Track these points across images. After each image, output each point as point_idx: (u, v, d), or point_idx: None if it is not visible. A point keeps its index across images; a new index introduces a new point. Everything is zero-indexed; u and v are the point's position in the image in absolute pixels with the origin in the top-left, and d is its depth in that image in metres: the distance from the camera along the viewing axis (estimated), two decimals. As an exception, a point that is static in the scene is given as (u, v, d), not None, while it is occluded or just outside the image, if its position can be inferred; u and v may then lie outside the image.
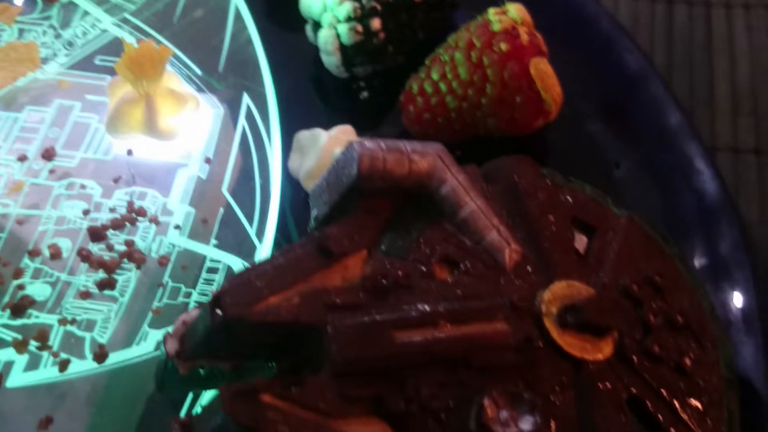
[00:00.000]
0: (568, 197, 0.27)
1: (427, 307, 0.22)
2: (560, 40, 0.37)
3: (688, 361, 0.24)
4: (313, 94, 0.41)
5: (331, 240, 0.23)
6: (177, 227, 0.29)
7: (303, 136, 0.37)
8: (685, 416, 0.24)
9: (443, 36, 0.39)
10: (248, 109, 0.32)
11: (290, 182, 0.35)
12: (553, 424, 0.22)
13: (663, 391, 0.24)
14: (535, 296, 0.23)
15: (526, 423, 0.21)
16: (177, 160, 0.31)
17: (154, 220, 0.29)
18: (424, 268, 0.23)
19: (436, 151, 0.25)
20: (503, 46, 0.35)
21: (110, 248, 0.28)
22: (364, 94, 0.41)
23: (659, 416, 0.24)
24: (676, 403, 0.24)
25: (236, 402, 0.19)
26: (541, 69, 0.35)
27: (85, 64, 0.33)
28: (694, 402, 0.24)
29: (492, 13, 0.36)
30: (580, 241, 0.26)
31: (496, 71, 0.35)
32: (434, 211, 0.25)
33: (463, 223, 0.24)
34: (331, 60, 0.40)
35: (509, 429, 0.20)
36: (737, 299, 0.31)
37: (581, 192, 0.28)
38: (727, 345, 0.27)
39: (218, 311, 0.21)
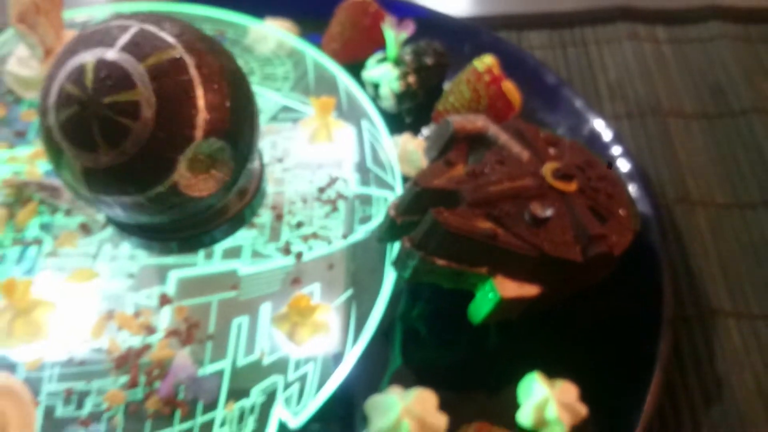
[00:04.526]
0: (540, 133, 0.57)
1: (497, 177, 0.51)
2: (512, 72, 0.68)
3: (611, 190, 0.54)
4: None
5: (450, 157, 0.52)
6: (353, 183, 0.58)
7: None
8: (616, 212, 0.53)
9: (442, 82, 0.70)
10: (366, 128, 0.62)
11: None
12: (561, 213, 0.51)
13: (603, 203, 0.53)
14: (540, 169, 0.53)
15: (549, 211, 0.49)
16: (341, 155, 0.60)
17: (344, 179, 0.57)
18: (490, 166, 0.53)
19: (483, 117, 0.54)
20: (486, 78, 0.65)
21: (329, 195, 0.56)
22: (408, 120, 0.71)
23: (604, 214, 0.53)
24: (611, 208, 0.53)
25: (438, 213, 0.47)
26: (508, 86, 0.66)
27: (272, 119, 0.62)
28: (619, 208, 0.54)
29: (476, 61, 0.67)
30: (551, 151, 0.56)
31: (485, 91, 0.65)
32: (488, 143, 0.54)
33: (502, 146, 0.54)
34: (388, 103, 0.69)
35: (544, 214, 0.49)
36: (627, 167, 0.62)
37: (546, 131, 0.58)
38: (627, 188, 0.57)
39: (418, 184, 0.49)
